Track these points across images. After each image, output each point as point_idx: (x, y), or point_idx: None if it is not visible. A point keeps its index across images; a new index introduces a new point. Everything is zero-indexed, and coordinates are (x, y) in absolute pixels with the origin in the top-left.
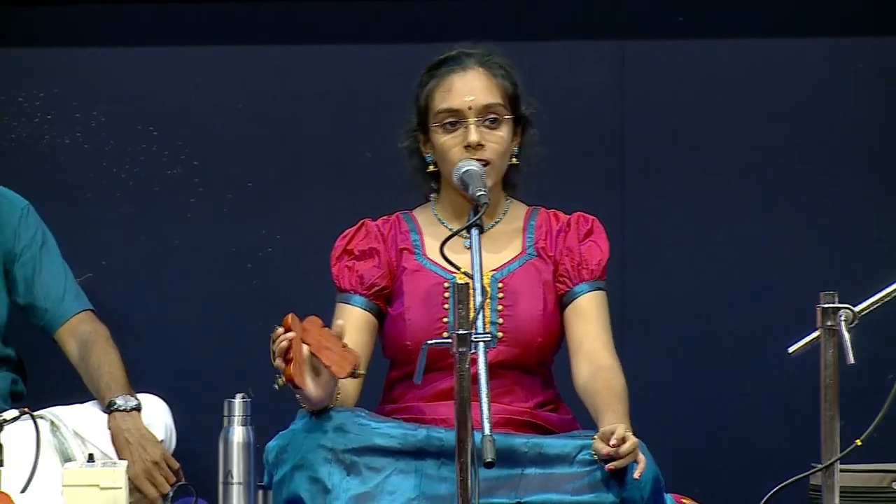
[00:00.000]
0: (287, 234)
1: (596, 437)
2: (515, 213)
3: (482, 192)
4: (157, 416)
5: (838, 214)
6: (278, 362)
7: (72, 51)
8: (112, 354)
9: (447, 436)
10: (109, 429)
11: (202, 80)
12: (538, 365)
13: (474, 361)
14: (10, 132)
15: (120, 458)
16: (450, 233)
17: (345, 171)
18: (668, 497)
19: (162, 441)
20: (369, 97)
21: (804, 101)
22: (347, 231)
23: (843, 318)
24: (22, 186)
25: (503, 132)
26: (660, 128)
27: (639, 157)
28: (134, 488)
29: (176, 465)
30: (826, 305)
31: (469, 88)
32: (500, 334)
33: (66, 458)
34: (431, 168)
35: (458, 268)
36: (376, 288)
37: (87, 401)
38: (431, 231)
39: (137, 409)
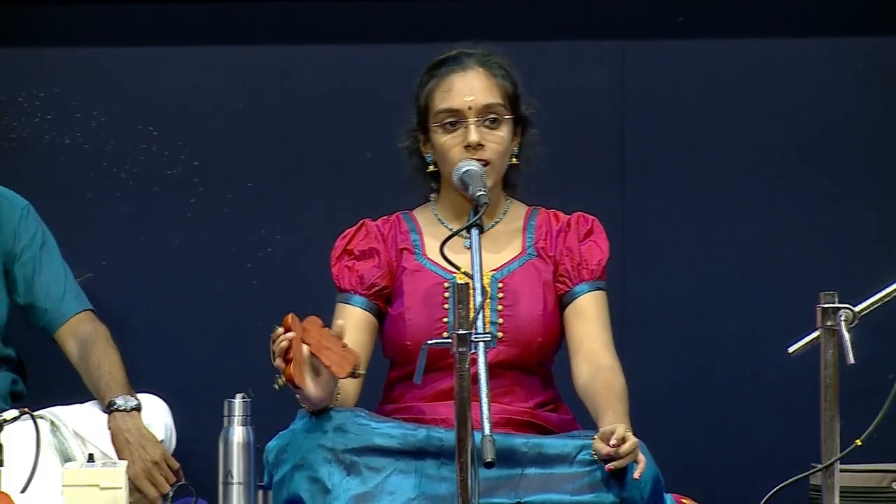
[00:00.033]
0: (287, 234)
1: (596, 437)
2: (515, 213)
3: (482, 192)
4: (157, 416)
5: (838, 214)
6: (278, 362)
7: (72, 51)
8: (112, 354)
9: (447, 436)
10: (109, 429)
11: (202, 80)
12: (538, 365)
13: (474, 361)
14: (10, 132)
15: (120, 458)
16: (450, 233)
17: (345, 171)
18: (669, 497)
19: (162, 441)
20: (369, 97)
21: (804, 100)
22: (347, 231)
23: (843, 318)
24: (22, 186)
25: (503, 132)
26: (660, 128)
27: (639, 157)
28: (134, 488)
29: (176, 465)
30: (826, 305)
31: (469, 88)
32: (500, 334)
33: (66, 458)
34: (431, 168)
35: (458, 268)
36: (376, 288)
37: (87, 401)
38: (431, 231)
39: (137, 409)
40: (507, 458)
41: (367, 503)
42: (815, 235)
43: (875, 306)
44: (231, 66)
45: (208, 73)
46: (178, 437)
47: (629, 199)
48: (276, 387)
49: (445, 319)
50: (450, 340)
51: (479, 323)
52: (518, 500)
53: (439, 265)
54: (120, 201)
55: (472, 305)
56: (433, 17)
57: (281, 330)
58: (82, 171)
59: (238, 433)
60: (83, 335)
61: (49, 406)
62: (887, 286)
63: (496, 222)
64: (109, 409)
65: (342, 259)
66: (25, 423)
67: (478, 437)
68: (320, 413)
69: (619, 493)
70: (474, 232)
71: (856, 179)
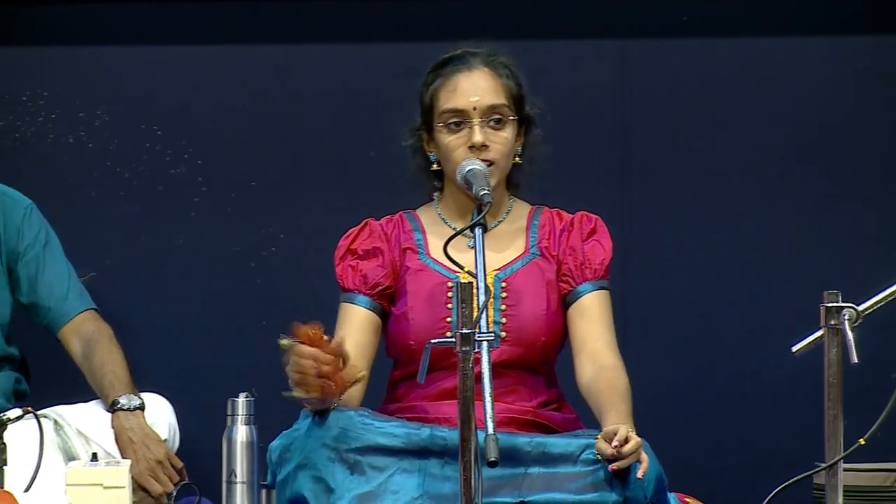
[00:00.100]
0: (290, 233)
1: (599, 436)
2: (519, 213)
3: (486, 192)
4: (160, 415)
5: (838, 214)
6: (313, 381)
7: (76, 50)
8: (115, 353)
9: (451, 435)
10: (113, 428)
11: (206, 79)
12: (542, 364)
13: (477, 361)
14: (13, 131)
15: (123, 457)
16: (453, 232)
17: (348, 170)
18: (672, 496)
19: (165, 440)
20: (375, 96)
21: (806, 100)
22: (351, 230)
23: (846, 317)
24: (25, 185)
25: (507, 133)
26: (662, 127)
27: (641, 157)
28: (137, 487)
29: (179, 464)
30: (830, 304)
31: (474, 89)
32: (503, 334)
33: (70, 457)
34: (435, 167)
35: (461, 267)
36: (380, 287)
37: (90, 400)
38: (435, 230)
39: (141, 408)
40: (510, 457)
41: (371, 502)
42: (816, 235)
43: (878, 305)
44: (235, 66)
45: (212, 73)
46: (181, 436)
47: (632, 198)
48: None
49: (449, 319)
50: (453, 340)
51: (483, 322)
52: (521, 499)
53: (443, 264)
54: (123, 200)
55: (475, 305)
56: (434, 16)
57: (300, 346)
58: (86, 171)
59: (241, 432)
60: (86, 334)
61: (52, 405)
62: (890, 285)
63: (499, 221)
64: (113, 408)
65: (346, 258)
66: (29, 422)
67: (481, 436)
68: (324, 413)
69: (623, 493)
70: (478, 231)
71: (856, 179)
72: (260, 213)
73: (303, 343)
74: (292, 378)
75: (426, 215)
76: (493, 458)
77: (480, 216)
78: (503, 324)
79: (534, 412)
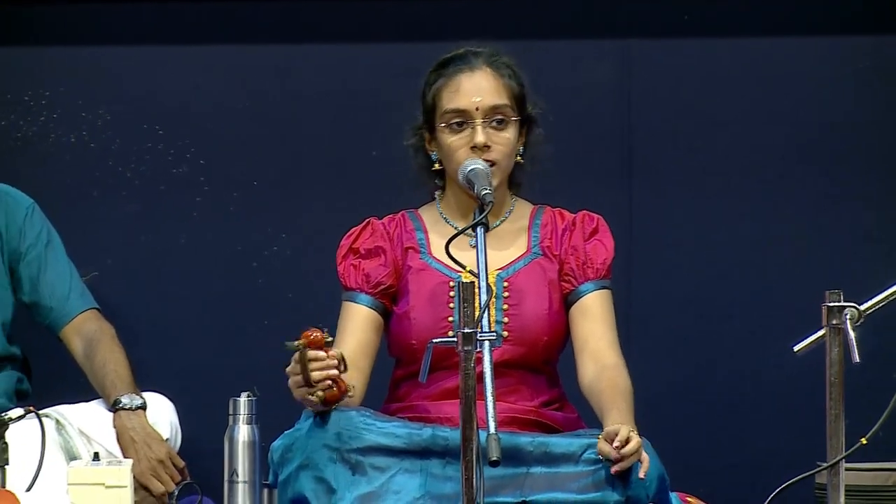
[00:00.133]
0: (293, 232)
1: (600, 436)
2: (521, 212)
3: (487, 191)
4: (162, 414)
5: (838, 214)
6: (322, 386)
7: (78, 50)
8: (117, 353)
9: (452, 435)
10: (115, 427)
11: (208, 79)
12: (544, 364)
13: (479, 360)
14: (15, 131)
15: (125, 457)
16: (455, 231)
17: (350, 170)
18: (674, 496)
19: (167, 439)
20: (375, 96)
21: (806, 100)
22: (353, 229)
23: (848, 316)
24: (27, 185)
25: (509, 133)
26: (665, 127)
27: (644, 156)
28: (139, 487)
29: (181, 463)
30: (832, 304)
31: (477, 89)
32: (505, 333)
33: (72, 457)
34: (437, 166)
35: (463, 266)
36: (382, 286)
37: (92, 399)
38: (437, 230)
39: (143, 407)
40: (512, 456)
41: (372, 503)
42: (817, 235)
43: (880, 305)
44: (237, 65)
45: (214, 72)
46: (183, 435)
47: (634, 197)
48: (313, 400)
49: (451, 318)
50: (455, 339)
51: (485, 322)
52: (523, 498)
53: (445, 264)
54: (125, 200)
55: (477, 304)
56: (434, 16)
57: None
58: (88, 170)
59: (243, 432)
60: (88, 334)
61: (54, 404)
62: (891, 285)
63: (501, 221)
64: (115, 407)
65: (348, 257)
66: (31, 422)
67: (483, 435)
68: (325, 413)
69: (625, 492)
70: (480, 230)
71: (856, 179)
72: (262, 213)
73: (309, 346)
74: (293, 380)
75: (428, 215)
76: (494, 458)
77: (482, 216)
78: (505, 323)
79: (536, 412)
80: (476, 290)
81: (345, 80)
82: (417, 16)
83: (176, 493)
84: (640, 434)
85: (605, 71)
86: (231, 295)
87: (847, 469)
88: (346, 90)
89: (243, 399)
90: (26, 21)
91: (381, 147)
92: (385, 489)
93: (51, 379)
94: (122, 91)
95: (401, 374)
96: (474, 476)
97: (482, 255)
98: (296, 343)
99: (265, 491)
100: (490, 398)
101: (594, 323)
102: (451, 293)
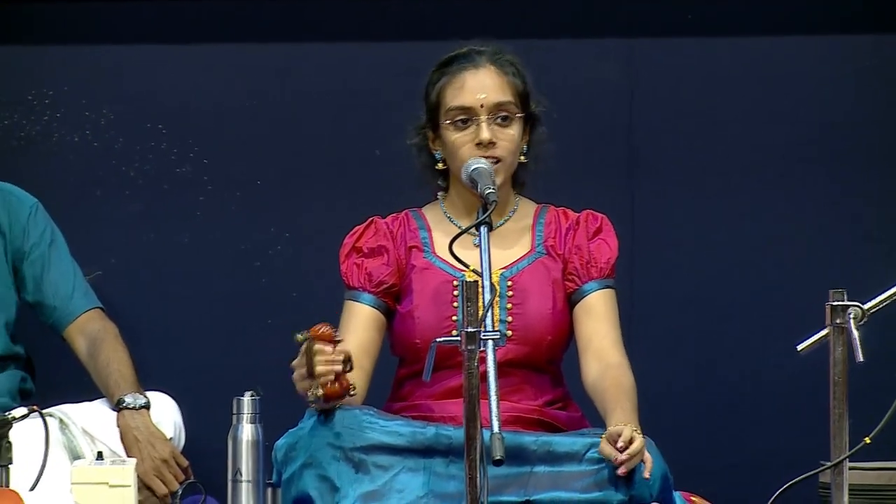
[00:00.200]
0: (296, 232)
1: (603, 436)
2: (524, 211)
3: (491, 190)
4: (166, 413)
5: (839, 213)
6: (324, 380)
7: (81, 49)
8: (121, 352)
9: (456, 434)
10: (118, 427)
11: (211, 78)
12: (547, 363)
13: (483, 359)
14: (19, 130)
15: (129, 456)
16: (459, 230)
17: (354, 169)
18: (677, 495)
19: (171, 439)
20: (377, 95)
21: (807, 99)
22: (357, 228)
23: (852, 315)
24: (31, 184)
25: (514, 130)
26: (668, 126)
27: (647, 155)
28: (143, 486)
29: (185, 462)
30: (835, 303)
31: (481, 86)
32: (509, 332)
33: (75, 456)
34: (440, 165)
35: (467, 265)
36: (385, 285)
37: (95, 398)
38: (441, 228)
39: (146, 406)
40: (516, 455)
41: (376, 501)
42: (818, 234)
43: (884, 304)
44: (242, 64)
45: (217, 71)
46: (187, 434)
47: (638, 197)
48: (312, 395)
49: (454, 317)
50: (459, 338)
51: (489, 321)
52: (527, 497)
53: (448, 263)
54: (129, 199)
55: (480, 303)
56: (436, 15)
57: (328, 349)
58: (91, 169)
59: (247, 431)
60: (92, 333)
61: (58, 404)
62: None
63: (505, 220)
64: (118, 406)
65: (351, 256)
66: (34, 421)
67: (487, 434)
68: (329, 411)
69: (628, 492)
70: (483, 230)
71: (857, 178)
72: (265, 213)
73: (316, 339)
74: (298, 373)
75: (432, 214)
76: (498, 457)
77: (486, 214)
78: (509, 322)
79: (539, 411)
80: (479, 290)
81: (346, 79)
82: (419, 15)
83: (179, 492)
84: (645, 432)
85: (607, 70)
86: (234, 294)
87: (851, 468)
88: (348, 89)
89: (247, 398)
90: (29, 20)
91: (384, 146)
92: (388, 488)
93: (54, 378)
94: (125, 90)
95: (404, 373)
96: (478, 475)
97: (486, 254)
98: (304, 335)
99: (269, 490)
100: (494, 397)
101: (598, 322)
102: (455, 292)
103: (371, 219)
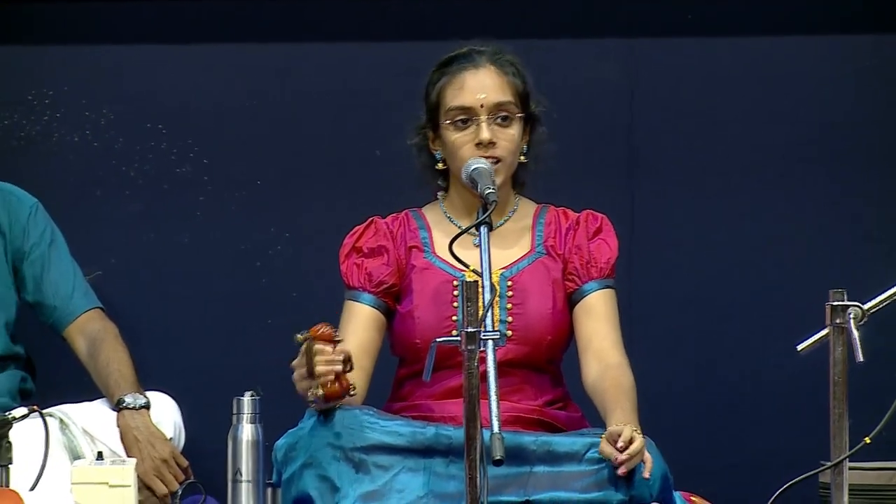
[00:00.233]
0: (296, 232)
1: (603, 436)
2: (524, 211)
3: (491, 190)
4: (166, 413)
5: (839, 213)
6: (325, 380)
7: (81, 49)
8: (121, 352)
9: (456, 434)
10: (118, 427)
11: (211, 78)
12: (547, 363)
13: (483, 359)
14: (19, 130)
15: (129, 456)
16: (459, 230)
17: (354, 169)
18: (677, 495)
19: (171, 439)
20: (376, 95)
21: (807, 99)
22: (357, 228)
23: (852, 315)
24: (31, 184)
25: (514, 130)
26: (668, 126)
27: (648, 155)
28: (143, 486)
29: (185, 462)
30: (835, 303)
31: (481, 86)
32: (509, 332)
33: (76, 456)
34: (440, 165)
35: (467, 265)
36: (385, 285)
37: (96, 398)
38: (441, 228)
39: (146, 406)
40: (515, 455)
41: (376, 501)
42: (818, 234)
43: (884, 304)
44: (242, 64)
45: (218, 71)
46: (187, 434)
47: (638, 197)
48: (312, 395)
49: (455, 317)
50: (459, 338)
51: (489, 321)
52: (527, 497)
53: (448, 263)
54: (129, 199)
55: (481, 303)
56: (436, 15)
57: (328, 349)
58: (91, 169)
59: (247, 431)
60: (92, 333)
61: (58, 404)
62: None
63: (505, 220)
64: (118, 406)
65: (351, 256)
66: (34, 421)
67: (487, 434)
68: (329, 411)
69: (628, 492)
70: (483, 230)
71: (857, 178)
72: (265, 213)
73: (317, 339)
74: (298, 373)
75: (432, 214)
76: (498, 457)
77: (486, 214)
78: (509, 322)
79: (539, 411)
80: (479, 290)
81: (346, 79)
82: (419, 15)
83: (179, 492)
84: (645, 433)
85: (607, 70)
86: (234, 294)
87: (851, 468)
88: (348, 89)
89: (247, 398)
90: (29, 20)
91: (384, 146)
92: (388, 487)
93: (54, 378)
94: (125, 90)
95: (404, 373)
96: (478, 475)
97: (486, 254)
98: (304, 335)
99: (269, 490)
100: (494, 397)
101: (598, 322)
102: (455, 292)
103: (371, 219)
